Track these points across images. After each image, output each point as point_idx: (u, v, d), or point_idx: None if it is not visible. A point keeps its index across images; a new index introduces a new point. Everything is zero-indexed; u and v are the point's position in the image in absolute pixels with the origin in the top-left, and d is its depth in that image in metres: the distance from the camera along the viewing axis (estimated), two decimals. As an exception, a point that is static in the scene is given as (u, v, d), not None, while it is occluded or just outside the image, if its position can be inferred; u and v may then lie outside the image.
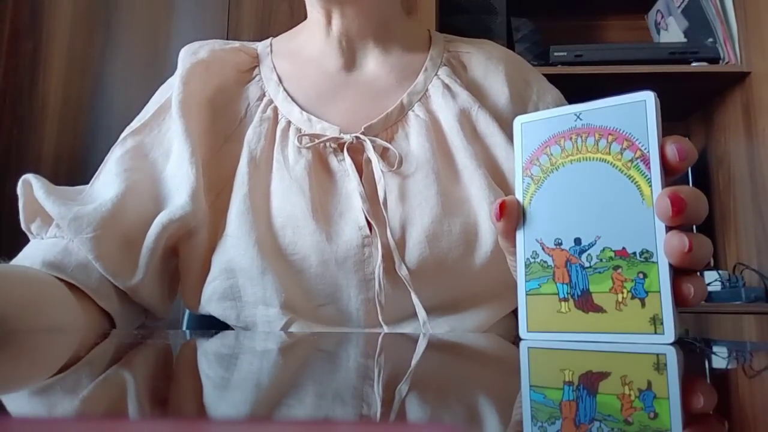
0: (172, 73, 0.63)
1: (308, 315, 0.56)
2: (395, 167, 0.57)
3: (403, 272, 0.54)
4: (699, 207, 0.34)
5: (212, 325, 0.62)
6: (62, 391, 0.21)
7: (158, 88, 0.66)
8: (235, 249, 0.54)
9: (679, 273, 0.35)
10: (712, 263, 1.70)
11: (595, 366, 0.30)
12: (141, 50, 1.60)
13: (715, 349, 0.42)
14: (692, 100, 1.76)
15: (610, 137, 0.36)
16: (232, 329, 0.59)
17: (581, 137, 0.37)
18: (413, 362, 0.31)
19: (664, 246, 0.34)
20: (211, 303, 0.57)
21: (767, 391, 0.24)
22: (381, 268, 0.54)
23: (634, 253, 0.35)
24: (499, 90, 0.63)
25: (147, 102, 0.65)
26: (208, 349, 0.35)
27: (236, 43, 0.66)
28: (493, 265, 0.54)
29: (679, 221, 0.34)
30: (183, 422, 0.12)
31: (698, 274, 0.35)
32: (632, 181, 0.35)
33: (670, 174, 0.36)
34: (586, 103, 0.37)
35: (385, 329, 0.55)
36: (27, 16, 1.62)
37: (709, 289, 1.58)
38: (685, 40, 1.70)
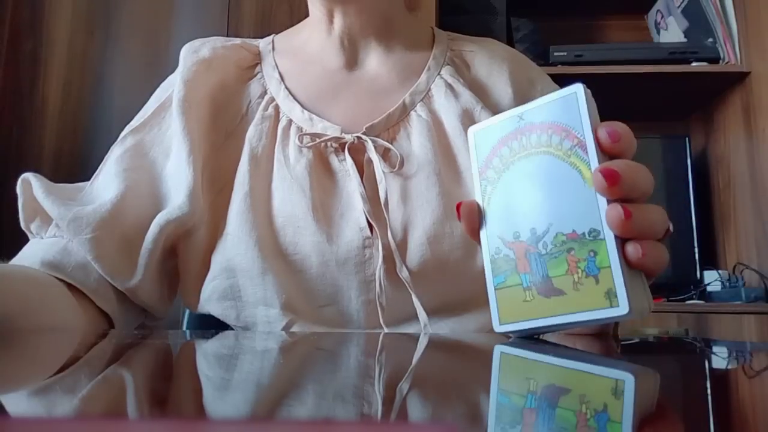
0: (172, 73, 0.63)
1: (309, 316, 0.56)
2: (396, 168, 0.57)
3: (404, 274, 0.54)
4: (637, 177, 0.34)
5: (212, 325, 0.62)
6: (61, 391, 0.21)
7: (159, 87, 0.66)
8: (235, 248, 0.54)
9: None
10: (716, 265, 1.70)
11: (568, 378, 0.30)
12: (141, 50, 1.60)
13: (715, 349, 0.42)
14: (692, 100, 1.76)
15: (549, 131, 0.38)
16: (233, 329, 0.59)
17: (525, 135, 0.39)
18: (414, 361, 0.31)
19: (606, 219, 0.34)
20: (210, 302, 0.57)
21: (767, 391, 0.24)
22: (382, 270, 0.54)
23: (584, 234, 0.35)
24: (502, 90, 0.63)
25: (147, 101, 0.65)
26: (208, 349, 0.35)
27: (238, 40, 0.66)
28: None
29: (617, 192, 0.34)
30: (183, 422, 0.12)
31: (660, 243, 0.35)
32: (574, 167, 0.36)
33: (613, 158, 0.36)
34: (527, 104, 0.39)
35: (386, 331, 0.54)
36: (27, 16, 1.62)
37: (709, 289, 1.59)
38: (685, 40, 1.70)
